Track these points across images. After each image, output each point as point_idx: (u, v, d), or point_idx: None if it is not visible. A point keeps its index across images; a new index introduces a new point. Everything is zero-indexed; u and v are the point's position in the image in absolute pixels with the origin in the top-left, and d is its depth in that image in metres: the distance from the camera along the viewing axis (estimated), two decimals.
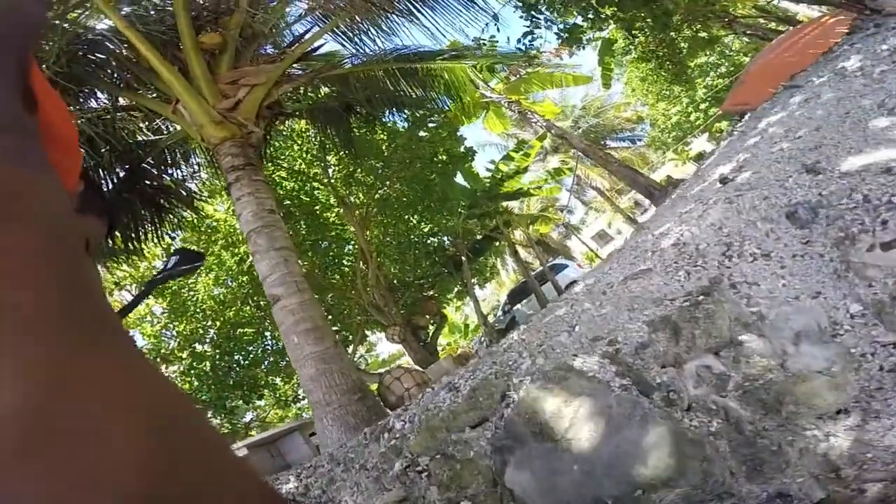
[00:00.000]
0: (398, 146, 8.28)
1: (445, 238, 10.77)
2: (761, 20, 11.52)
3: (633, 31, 6.93)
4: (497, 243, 12.03)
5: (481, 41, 5.28)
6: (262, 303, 8.56)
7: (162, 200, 5.64)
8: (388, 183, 8.87)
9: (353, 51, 5.91)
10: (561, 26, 5.39)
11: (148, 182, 5.41)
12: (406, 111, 7.50)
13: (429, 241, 10.36)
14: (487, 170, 10.39)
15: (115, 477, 0.14)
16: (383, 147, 8.51)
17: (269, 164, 7.89)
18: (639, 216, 30.20)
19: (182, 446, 0.17)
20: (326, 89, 6.57)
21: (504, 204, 10.29)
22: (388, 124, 8.31)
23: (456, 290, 12.35)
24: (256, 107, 4.16)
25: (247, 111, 4.06)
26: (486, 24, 5.02)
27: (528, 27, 5.16)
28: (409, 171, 8.57)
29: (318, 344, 3.44)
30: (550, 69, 11.06)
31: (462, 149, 9.07)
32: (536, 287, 9.97)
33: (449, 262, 10.80)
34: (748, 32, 11.66)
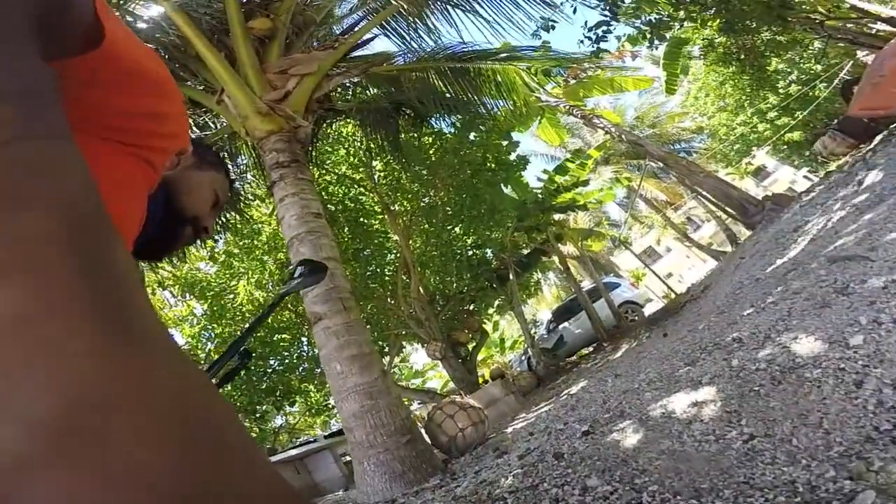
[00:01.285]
0: (447, 150, 7.88)
1: (489, 251, 10.24)
2: (850, 25, 10.40)
3: (736, 28, 6.12)
4: (545, 258, 11.36)
5: (550, 23, 4.72)
6: (300, 309, 8.33)
7: None
8: (433, 191, 8.48)
9: (406, 48, 5.63)
10: (646, 20, 4.77)
11: None
12: (456, 115, 7.15)
13: (472, 254, 9.87)
14: (539, 180, 9.83)
15: (148, 477, 0.14)
16: (431, 152, 8.14)
17: (315, 169, 7.70)
18: (691, 233, 28.39)
19: (215, 446, 0.16)
20: (376, 90, 6.31)
21: (555, 217, 9.65)
22: (436, 129, 7.96)
23: (496, 303, 11.78)
24: (306, 99, 3.83)
25: (296, 103, 3.73)
26: (561, 3, 4.45)
27: (607, 16, 4.57)
28: (457, 179, 8.15)
29: (363, 374, 2.97)
30: (611, 72, 10.38)
31: (514, 156, 8.55)
32: (588, 305, 9.22)
33: (493, 277, 10.25)
34: (836, 36, 10.56)
